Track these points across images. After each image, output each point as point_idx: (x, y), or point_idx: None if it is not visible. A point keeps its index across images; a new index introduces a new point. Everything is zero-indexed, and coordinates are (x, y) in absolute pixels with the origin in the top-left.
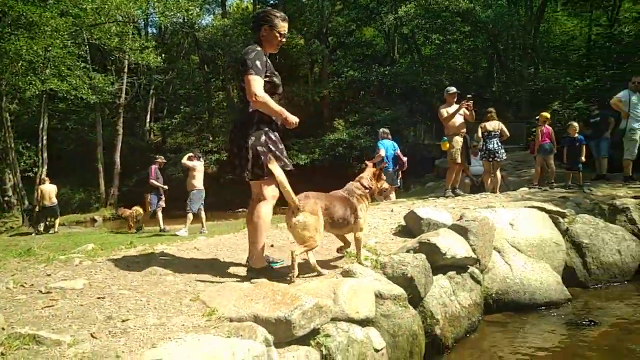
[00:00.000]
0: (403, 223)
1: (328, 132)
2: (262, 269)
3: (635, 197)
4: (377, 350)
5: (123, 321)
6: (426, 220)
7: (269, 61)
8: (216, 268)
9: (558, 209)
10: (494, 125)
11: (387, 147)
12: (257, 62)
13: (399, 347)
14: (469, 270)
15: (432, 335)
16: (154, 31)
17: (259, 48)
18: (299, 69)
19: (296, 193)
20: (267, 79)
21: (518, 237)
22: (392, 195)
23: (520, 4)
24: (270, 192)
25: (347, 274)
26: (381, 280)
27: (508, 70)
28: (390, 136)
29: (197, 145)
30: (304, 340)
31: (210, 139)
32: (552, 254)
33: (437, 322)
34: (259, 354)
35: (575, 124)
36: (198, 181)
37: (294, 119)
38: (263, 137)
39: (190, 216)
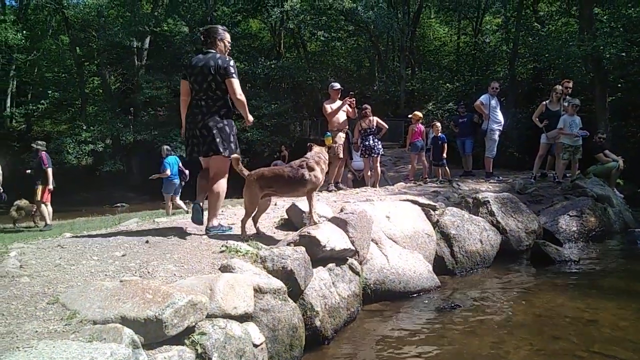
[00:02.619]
0: (286, 216)
1: None
2: (216, 226)
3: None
4: (256, 346)
5: None
6: (307, 213)
7: None
8: (81, 267)
9: (430, 202)
10: (368, 122)
11: (172, 163)
12: (236, 70)
13: (279, 340)
14: (348, 262)
15: (312, 327)
16: (13, 4)
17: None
18: (182, 57)
19: None
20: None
21: (394, 229)
22: (182, 204)
23: (399, 7)
24: (225, 169)
25: (225, 269)
26: (261, 275)
27: (388, 70)
28: (172, 152)
29: (70, 134)
30: (178, 340)
31: (84, 128)
32: (424, 244)
33: (317, 314)
34: (123, 357)
35: (439, 123)
36: None
37: (252, 119)
38: (234, 128)
39: None
